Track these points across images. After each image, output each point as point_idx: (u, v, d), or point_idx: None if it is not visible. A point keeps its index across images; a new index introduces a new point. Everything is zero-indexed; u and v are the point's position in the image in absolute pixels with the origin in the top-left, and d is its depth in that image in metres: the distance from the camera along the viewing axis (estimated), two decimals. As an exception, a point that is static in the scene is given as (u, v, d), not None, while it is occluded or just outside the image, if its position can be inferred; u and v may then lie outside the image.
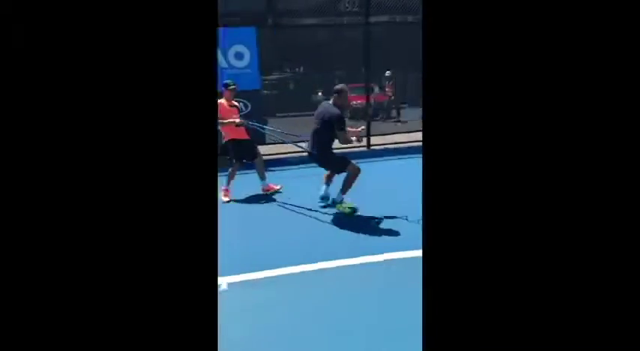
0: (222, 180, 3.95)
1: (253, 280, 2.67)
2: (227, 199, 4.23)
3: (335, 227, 3.58)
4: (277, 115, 8.70)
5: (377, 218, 3.68)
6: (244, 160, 4.32)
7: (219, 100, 4.02)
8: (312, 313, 2.30)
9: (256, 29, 5.89)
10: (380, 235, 3.40)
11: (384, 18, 8.98)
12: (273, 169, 5.23)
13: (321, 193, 4.06)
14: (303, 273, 2.73)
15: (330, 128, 3.63)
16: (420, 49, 1.08)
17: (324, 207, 3.99)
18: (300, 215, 3.87)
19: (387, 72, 10.07)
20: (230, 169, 4.25)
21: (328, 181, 4.06)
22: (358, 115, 8.28)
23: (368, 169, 4.19)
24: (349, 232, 3.45)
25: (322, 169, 3.95)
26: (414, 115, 7.49)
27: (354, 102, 8.75)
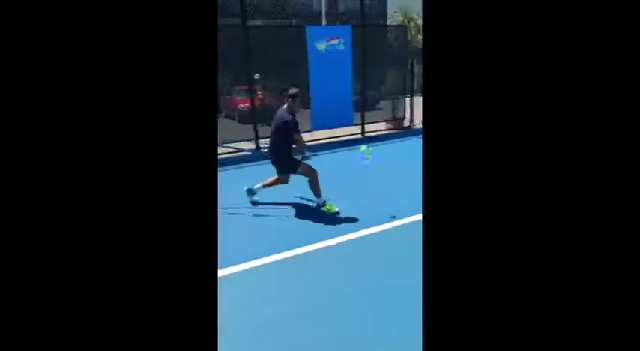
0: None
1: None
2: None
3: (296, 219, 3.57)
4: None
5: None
6: None
7: None
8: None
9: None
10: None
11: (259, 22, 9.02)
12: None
13: (251, 187, 4.08)
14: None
15: (286, 135, 3.67)
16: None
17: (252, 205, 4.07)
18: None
19: (256, 75, 9.91)
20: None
21: (268, 185, 4.04)
22: (246, 118, 8.19)
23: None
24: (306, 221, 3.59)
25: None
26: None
27: (241, 105, 8.66)
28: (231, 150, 6.52)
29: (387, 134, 7.86)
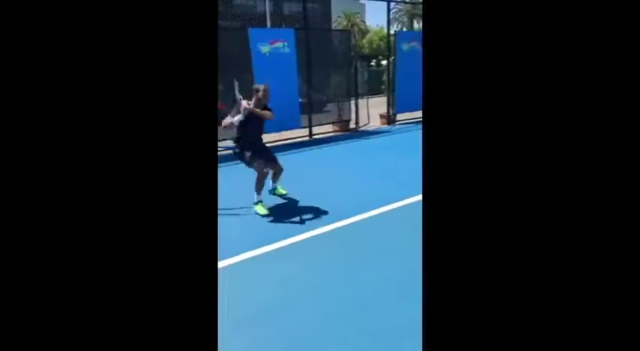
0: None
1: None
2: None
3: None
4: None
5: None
6: None
7: None
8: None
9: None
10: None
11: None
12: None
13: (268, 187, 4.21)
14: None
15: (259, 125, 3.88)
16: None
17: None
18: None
19: None
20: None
21: (277, 178, 4.27)
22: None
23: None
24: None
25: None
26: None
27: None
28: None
29: (334, 136, 7.99)
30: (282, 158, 6.20)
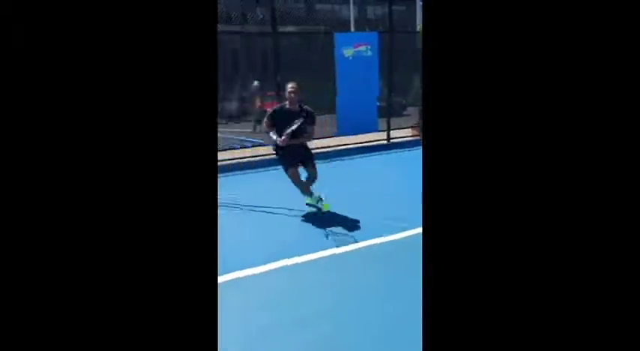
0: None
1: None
2: None
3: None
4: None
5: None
6: None
7: None
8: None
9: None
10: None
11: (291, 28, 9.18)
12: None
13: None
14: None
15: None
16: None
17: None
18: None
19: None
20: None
21: (307, 188, 4.08)
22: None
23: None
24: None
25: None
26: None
27: (269, 110, 8.80)
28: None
29: (413, 140, 7.82)
30: (357, 161, 6.25)
